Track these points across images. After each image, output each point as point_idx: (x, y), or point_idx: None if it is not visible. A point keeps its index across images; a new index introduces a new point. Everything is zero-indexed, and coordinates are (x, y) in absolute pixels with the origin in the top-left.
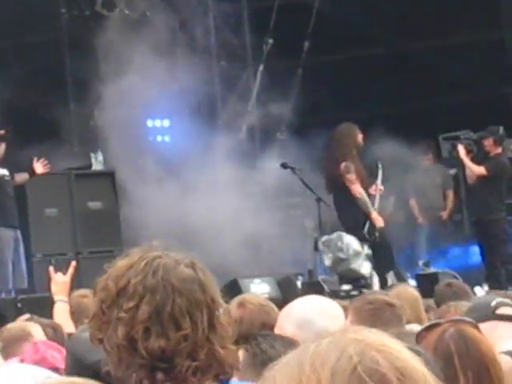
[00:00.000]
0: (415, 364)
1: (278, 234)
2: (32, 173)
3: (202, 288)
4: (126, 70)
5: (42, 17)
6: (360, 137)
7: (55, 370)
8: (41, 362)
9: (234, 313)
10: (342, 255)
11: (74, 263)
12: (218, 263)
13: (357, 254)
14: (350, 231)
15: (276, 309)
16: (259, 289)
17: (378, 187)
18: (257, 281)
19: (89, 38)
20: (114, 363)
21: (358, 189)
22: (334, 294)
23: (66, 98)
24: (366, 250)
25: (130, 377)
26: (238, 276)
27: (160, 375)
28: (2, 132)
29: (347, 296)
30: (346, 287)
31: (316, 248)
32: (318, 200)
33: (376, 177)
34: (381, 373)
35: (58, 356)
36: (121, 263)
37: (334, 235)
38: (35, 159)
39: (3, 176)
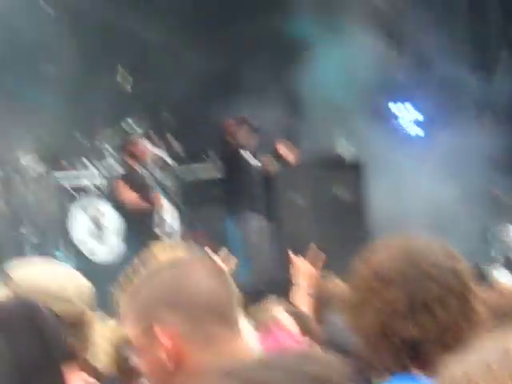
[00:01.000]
0: None
1: None
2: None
3: (455, 274)
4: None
5: None
6: None
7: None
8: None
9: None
10: None
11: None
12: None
13: None
14: None
15: None
16: (501, 275)
17: None
18: (496, 266)
19: None
20: (364, 347)
21: None
22: None
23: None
24: None
25: (379, 361)
26: (477, 262)
27: (408, 361)
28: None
29: None
30: None
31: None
32: None
33: None
34: None
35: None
36: (376, 251)
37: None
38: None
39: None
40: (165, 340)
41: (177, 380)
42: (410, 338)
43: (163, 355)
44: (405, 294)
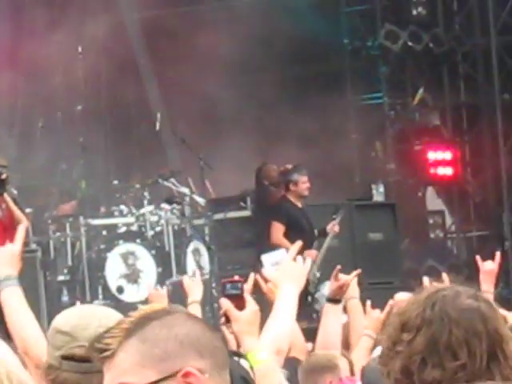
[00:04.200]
0: None
1: None
2: None
3: (483, 319)
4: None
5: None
6: None
7: None
8: None
9: None
10: None
11: (390, 302)
12: None
13: None
14: None
15: None
16: None
17: None
18: None
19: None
20: None
21: None
22: None
23: (348, 128)
24: None
25: None
26: None
27: None
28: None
29: None
30: None
31: None
32: None
33: None
34: None
35: None
36: (408, 299)
37: None
38: None
39: None
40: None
41: None
42: (432, 382)
43: None
44: (426, 339)
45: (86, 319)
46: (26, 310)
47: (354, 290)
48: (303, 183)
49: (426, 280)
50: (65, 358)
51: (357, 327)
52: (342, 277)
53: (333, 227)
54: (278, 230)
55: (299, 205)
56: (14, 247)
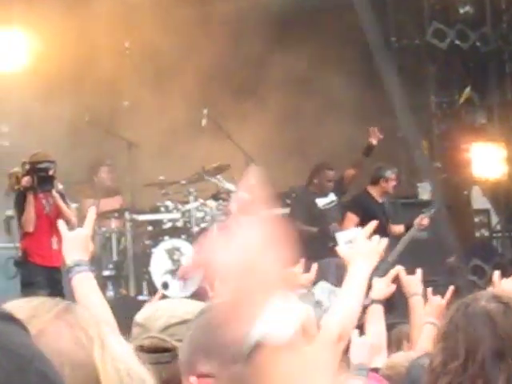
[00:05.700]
0: None
1: None
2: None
3: (492, 322)
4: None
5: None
6: None
7: None
8: None
9: None
10: None
11: (451, 287)
12: None
13: None
14: None
15: None
16: None
17: None
18: None
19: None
20: None
21: None
22: None
23: (394, 126)
24: None
25: None
26: None
27: None
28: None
29: None
30: None
31: None
32: None
33: None
34: None
35: None
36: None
37: None
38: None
39: (331, 202)
40: None
41: None
42: None
43: None
44: (438, 347)
45: (160, 311)
46: (98, 296)
47: (417, 287)
48: (393, 180)
49: (496, 274)
50: (137, 349)
51: (419, 324)
52: (404, 276)
53: (421, 220)
54: (350, 221)
55: (379, 200)
56: (85, 231)
